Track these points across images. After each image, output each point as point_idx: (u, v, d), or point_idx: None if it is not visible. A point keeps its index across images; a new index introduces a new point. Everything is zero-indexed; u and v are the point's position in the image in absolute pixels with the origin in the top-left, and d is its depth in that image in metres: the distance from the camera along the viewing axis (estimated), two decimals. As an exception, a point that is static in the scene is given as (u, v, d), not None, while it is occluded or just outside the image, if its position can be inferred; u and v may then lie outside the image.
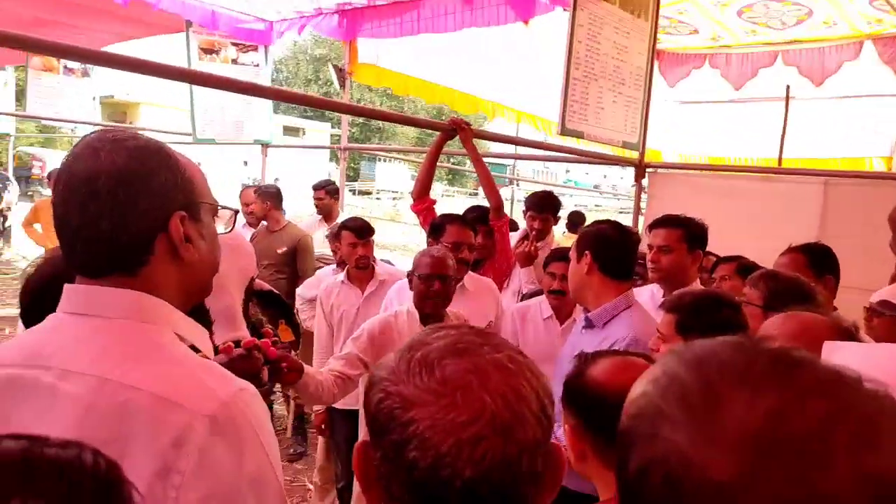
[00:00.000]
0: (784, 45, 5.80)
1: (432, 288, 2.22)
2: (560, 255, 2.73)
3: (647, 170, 4.06)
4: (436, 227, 2.77)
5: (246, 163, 21.41)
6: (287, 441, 4.31)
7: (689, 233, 2.42)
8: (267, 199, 4.49)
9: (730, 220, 3.80)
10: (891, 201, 3.47)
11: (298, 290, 3.81)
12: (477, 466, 0.58)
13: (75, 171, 0.85)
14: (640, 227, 4.15)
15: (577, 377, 1.16)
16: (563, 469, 0.67)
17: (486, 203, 3.10)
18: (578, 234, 2.20)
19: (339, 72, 6.07)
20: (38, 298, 1.32)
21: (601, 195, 26.97)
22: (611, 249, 2.03)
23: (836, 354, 0.91)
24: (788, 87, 5.41)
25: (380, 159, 28.59)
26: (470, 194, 28.90)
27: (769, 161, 5.93)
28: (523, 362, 0.66)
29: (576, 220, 6.37)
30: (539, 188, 4.62)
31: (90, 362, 0.79)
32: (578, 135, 3.58)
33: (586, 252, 2.03)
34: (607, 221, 2.17)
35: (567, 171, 34.23)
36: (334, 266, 3.67)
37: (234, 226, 1.03)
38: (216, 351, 1.43)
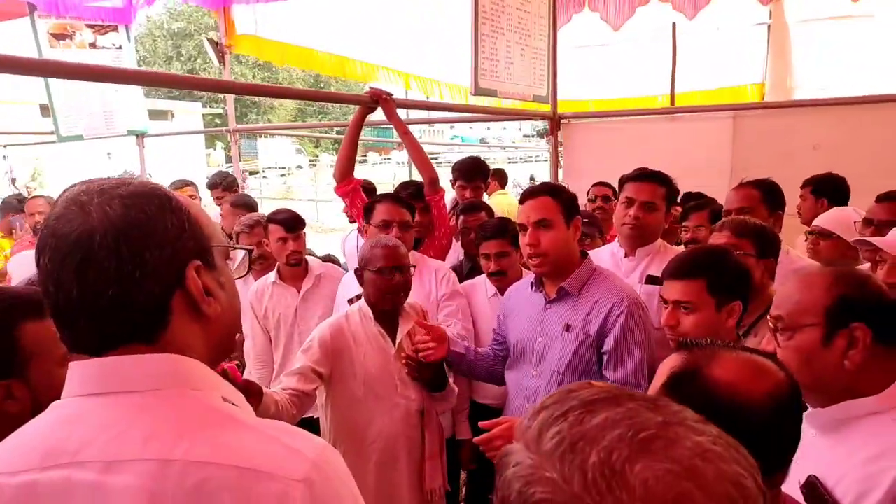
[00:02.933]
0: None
1: (392, 282, 2.06)
2: (490, 232, 2.56)
3: (562, 121, 4.03)
4: (367, 209, 2.58)
5: (109, 154, 19.66)
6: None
7: (670, 191, 2.34)
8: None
9: (643, 162, 3.87)
10: (795, 130, 3.67)
11: None
12: None
13: (63, 235, 0.71)
14: (560, 179, 4.15)
15: (692, 377, 0.89)
16: None
17: (415, 175, 2.92)
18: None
19: (216, 46, 5.57)
20: None
21: (488, 148, 27.27)
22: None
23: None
24: (675, 24, 5.56)
25: (260, 136, 27.28)
26: (359, 161, 28.35)
27: (666, 98, 6.12)
28: (722, 436, 0.50)
29: (501, 176, 6.34)
30: (428, 149, 4.48)
31: (141, 445, 0.67)
32: (492, 93, 3.46)
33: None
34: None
35: (452, 128, 34.29)
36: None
37: (248, 268, 0.86)
38: None
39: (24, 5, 4.98)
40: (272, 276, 2.91)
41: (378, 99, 2.75)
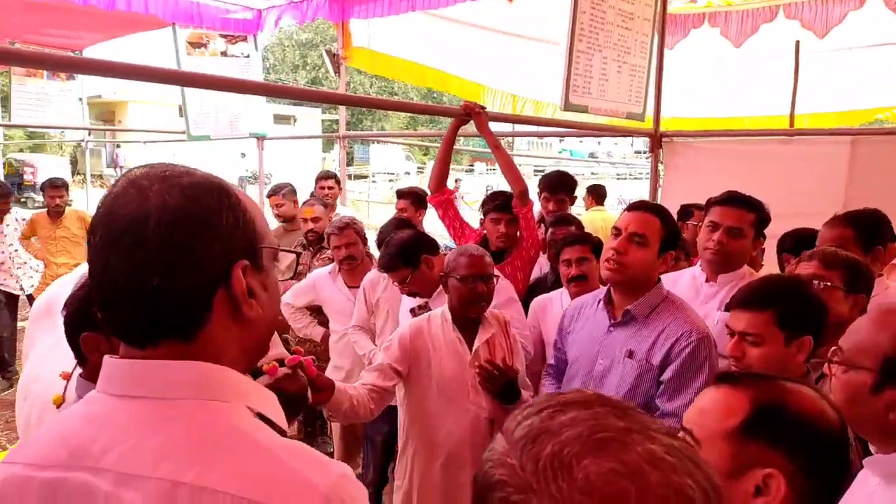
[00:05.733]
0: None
1: (475, 290, 2.11)
2: (572, 240, 2.60)
3: (663, 139, 3.93)
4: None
5: (244, 154, 21.14)
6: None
7: (760, 218, 2.22)
8: (293, 198, 4.38)
9: (750, 185, 3.69)
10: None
11: (286, 298, 3.39)
12: None
13: (117, 216, 0.70)
14: (658, 199, 4.04)
15: (777, 411, 0.90)
16: None
17: (494, 184, 2.96)
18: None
19: (333, 57, 5.90)
20: (80, 310, 1.26)
21: (598, 163, 26.79)
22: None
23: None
24: (798, 42, 5.25)
25: (374, 142, 28.30)
26: (465, 171, 28.68)
27: (781, 119, 5.80)
28: (683, 450, 0.52)
29: (598, 192, 6.26)
30: (534, 161, 4.49)
31: (155, 461, 0.65)
32: (582, 109, 3.45)
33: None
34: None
35: (561, 141, 33.96)
36: (329, 268, 3.41)
37: (295, 270, 0.89)
38: (260, 373, 1.34)
39: (169, 18, 5.52)
40: None
41: (471, 112, 2.83)
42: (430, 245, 2.62)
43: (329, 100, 6.29)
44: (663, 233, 1.89)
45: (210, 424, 0.69)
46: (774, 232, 2.80)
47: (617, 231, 1.92)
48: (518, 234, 2.94)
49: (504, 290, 2.60)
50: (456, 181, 20.00)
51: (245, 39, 6.12)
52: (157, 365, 0.71)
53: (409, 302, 2.72)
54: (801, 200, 3.39)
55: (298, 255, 0.93)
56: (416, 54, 5.78)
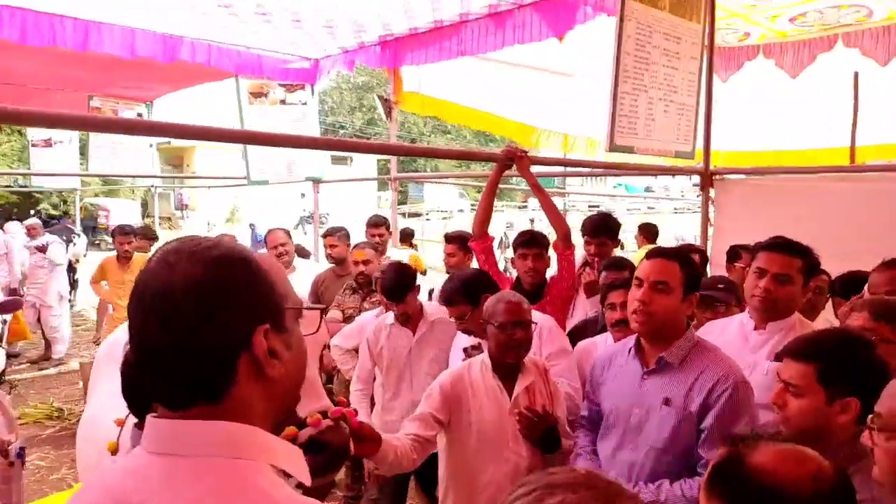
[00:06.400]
0: (843, 27, 5.50)
1: (514, 337, 2.11)
2: (619, 283, 2.56)
3: (715, 177, 3.86)
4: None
5: (303, 195, 21.83)
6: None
7: (808, 264, 2.15)
8: (346, 242, 4.51)
9: (808, 225, 3.54)
10: None
11: (335, 341, 3.51)
12: None
13: (150, 288, 0.78)
14: (710, 239, 3.95)
15: (733, 465, 0.92)
16: None
17: (534, 219, 2.98)
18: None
19: (385, 102, 6.09)
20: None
21: (655, 199, 26.34)
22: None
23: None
24: (857, 73, 5.09)
25: (428, 181, 28.79)
26: (519, 207, 28.69)
27: (839, 152, 5.61)
28: None
29: (650, 230, 6.18)
30: (588, 199, 4.47)
31: None
32: (628, 150, 3.45)
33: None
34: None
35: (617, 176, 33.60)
36: (376, 311, 3.50)
37: (319, 326, 0.94)
38: (304, 424, 1.37)
39: (232, 69, 5.84)
40: (390, 317, 3.10)
41: (513, 156, 2.87)
42: (492, 286, 2.62)
43: (373, 150, 6.51)
44: (684, 277, 1.89)
45: (233, 482, 0.74)
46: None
47: (639, 281, 1.93)
48: (545, 269, 2.95)
49: (557, 339, 2.60)
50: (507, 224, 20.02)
51: (303, 87, 6.40)
52: (187, 425, 0.77)
53: (463, 341, 2.73)
54: (865, 240, 3.24)
55: (323, 310, 0.95)
56: (466, 97, 5.92)
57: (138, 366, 0.80)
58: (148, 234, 6.74)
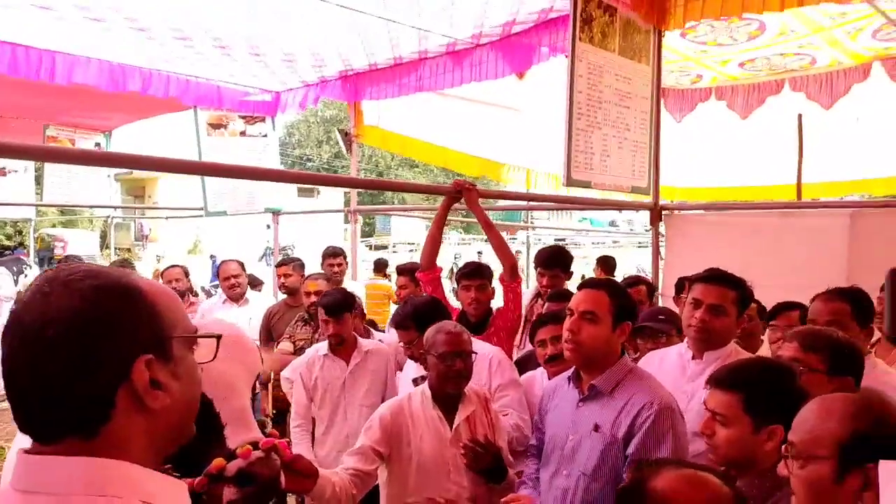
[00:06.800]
0: (789, 72, 5.77)
1: (454, 367, 2.11)
2: (546, 319, 2.58)
3: (664, 212, 3.95)
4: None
5: (269, 226, 21.59)
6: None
7: (742, 295, 2.18)
8: (300, 272, 4.47)
9: (751, 258, 3.66)
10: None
11: (285, 373, 3.39)
12: None
13: (23, 322, 0.73)
14: (661, 272, 4.03)
15: (635, 489, 0.95)
16: None
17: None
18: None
19: (346, 136, 6.12)
20: None
21: (619, 233, 26.80)
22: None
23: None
24: (800, 115, 5.32)
25: (392, 214, 28.86)
26: (485, 240, 28.88)
27: (787, 188, 5.80)
28: None
29: (608, 263, 6.27)
30: (554, 233, 4.54)
31: None
32: (585, 185, 3.51)
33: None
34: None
35: (582, 210, 34.17)
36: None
37: (216, 354, 0.90)
38: (233, 456, 1.33)
39: (191, 101, 5.81)
40: (324, 347, 3.08)
41: (461, 189, 2.90)
42: (444, 315, 2.62)
43: (332, 183, 6.55)
44: (613, 306, 1.92)
45: None
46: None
47: (570, 311, 1.96)
48: (489, 300, 2.97)
49: (507, 371, 2.59)
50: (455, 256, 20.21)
51: (263, 119, 6.39)
52: (52, 461, 0.72)
53: (412, 371, 2.70)
54: (803, 274, 3.35)
55: (218, 337, 0.92)
56: (424, 132, 5.98)
57: (9, 398, 0.75)
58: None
